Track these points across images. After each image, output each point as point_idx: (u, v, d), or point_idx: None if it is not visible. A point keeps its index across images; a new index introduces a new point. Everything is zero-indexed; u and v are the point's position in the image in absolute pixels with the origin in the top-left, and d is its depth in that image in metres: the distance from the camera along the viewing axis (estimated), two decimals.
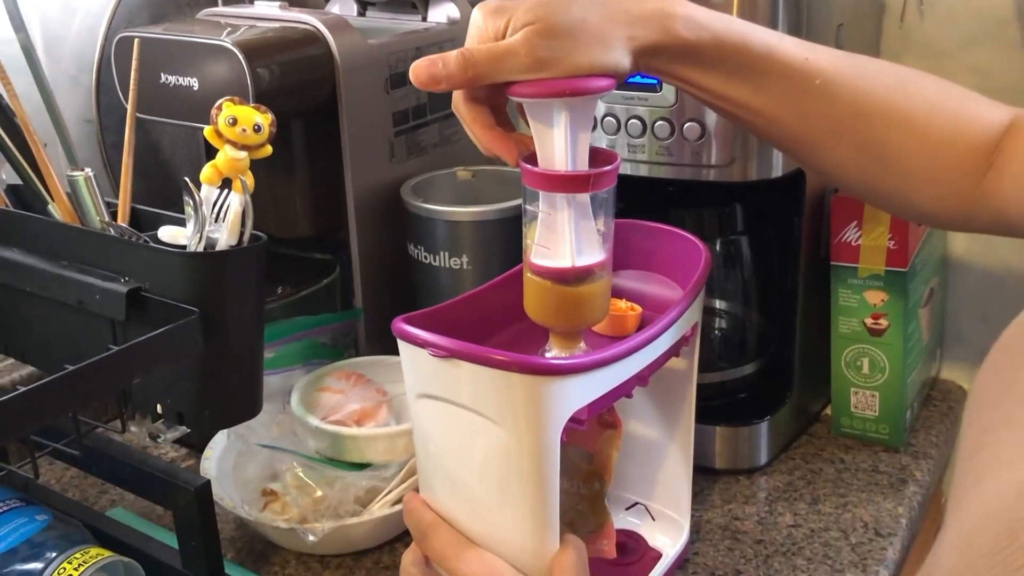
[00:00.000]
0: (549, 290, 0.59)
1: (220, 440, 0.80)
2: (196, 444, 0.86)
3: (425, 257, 0.88)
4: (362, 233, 0.91)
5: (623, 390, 0.59)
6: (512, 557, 0.56)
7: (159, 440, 0.89)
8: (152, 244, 0.59)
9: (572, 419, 0.55)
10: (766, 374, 0.89)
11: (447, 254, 0.87)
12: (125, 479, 0.70)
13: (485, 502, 0.57)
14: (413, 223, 0.89)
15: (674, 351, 0.65)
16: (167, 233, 0.61)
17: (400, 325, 0.56)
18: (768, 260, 0.86)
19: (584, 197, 0.57)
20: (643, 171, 0.79)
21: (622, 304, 0.68)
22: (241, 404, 0.62)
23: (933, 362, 0.96)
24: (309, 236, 0.94)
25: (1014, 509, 0.30)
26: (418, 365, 0.56)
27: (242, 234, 0.62)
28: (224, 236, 0.61)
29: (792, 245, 0.83)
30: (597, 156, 0.59)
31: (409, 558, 0.60)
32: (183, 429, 0.88)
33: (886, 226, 0.81)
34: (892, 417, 0.86)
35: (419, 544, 0.59)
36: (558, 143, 0.56)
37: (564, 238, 0.57)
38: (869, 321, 0.84)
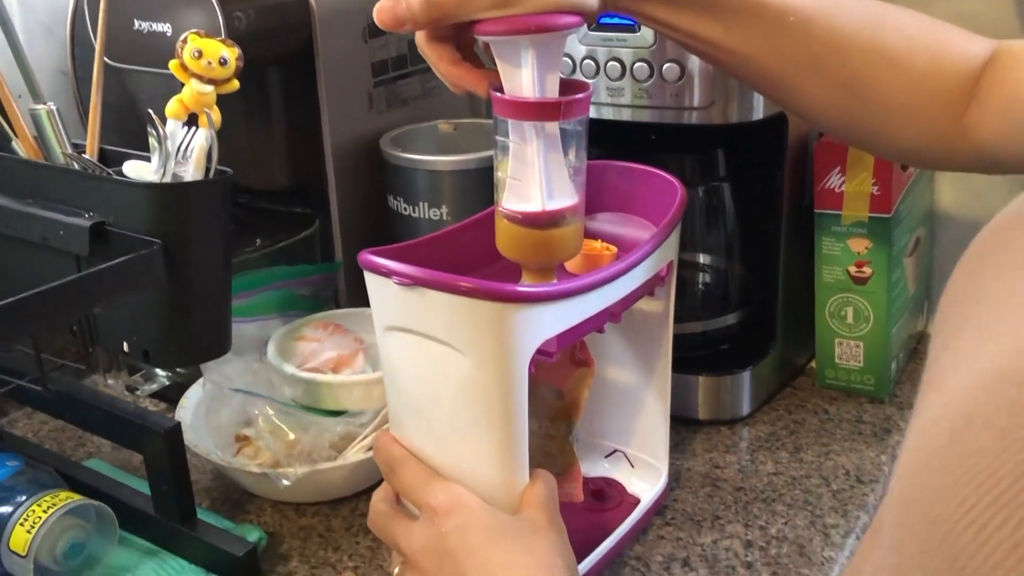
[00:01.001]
0: (520, 232, 0.58)
1: (196, 390, 0.79)
2: (175, 398, 0.85)
3: (405, 208, 0.87)
4: (341, 185, 0.90)
5: (593, 324, 0.59)
6: (482, 490, 0.55)
7: (137, 393, 0.89)
8: (115, 177, 0.58)
9: (540, 351, 0.55)
10: (749, 325, 0.88)
11: (426, 205, 0.86)
12: (95, 424, 0.70)
13: (454, 436, 0.56)
14: (392, 174, 0.88)
15: (647, 288, 0.64)
16: (132, 168, 0.60)
17: (366, 256, 0.55)
18: (751, 208, 0.85)
19: (554, 129, 0.56)
20: (624, 115, 0.78)
21: (597, 244, 0.67)
22: (208, 342, 0.61)
23: (920, 315, 0.95)
24: (288, 188, 0.94)
25: (972, 398, 0.30)
26: (384, 296, 0.55)
27: (208, 170, 0.61)
28: (190, 171, 0.60)
29: (775, 192, 0.82)
30: (570, 86, 0.57)
31: (379, 495, 0.59)
32: (162, 381, 0.88)
33: (869, 171, 0.80)
34: (877, 368, 0.85)
35: (388, 479, 0.58)
36: (526, 82, 0.55)
37: (534, 177, 0.56)
38: (853, 269, 0.83)
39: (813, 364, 0.93)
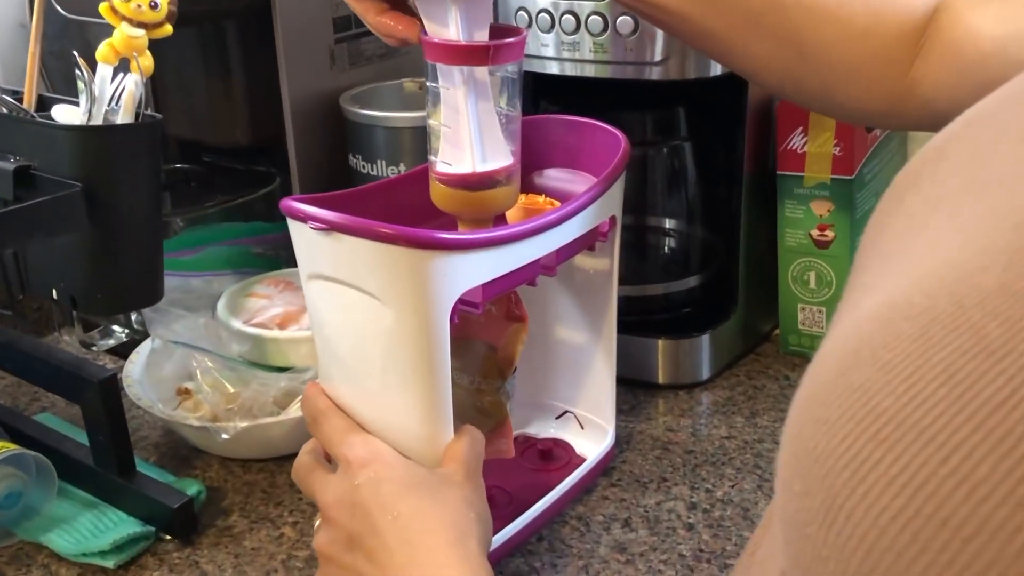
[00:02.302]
0: (452, 193, 0.57)
1: (147, 346, 0.79)
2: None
3: (363, 167, 0.86)
4: (300, 143, 0.89)
5: (523, 276, 0.57)
6: (405, 444, 0.55)
7: (93, 349, 0.88)
8: (38, 120, 0.57)
9: (464, 302, 0.54)
10: (711, 288, 0.86)
11: (385, 163, 0.85)
12: (35, 374, 0.70)
13: (377, 387, 0.55)
14: (352, 131, 0.87)
15: (586, 243, 0.63)
16: (61, 112, 0.60)
17: (286, 201, 0.54)
18: (713, 169, 0.84)
19: (484, 75, 0.55)
20: (587, 71, 0.76)
21: (540, 199, 0.66)
22: (137, 290, 0.60)
23: None
24: (247, 146, 0.93)
25: (861, 330, 0.28)
26: (306, 243, 0.54)
27: (138, 116, 0.60)
28: (120, 117, 0.59)
29: (737, 153, 0.81)
30: (502, 32, 0.56)
31: (306, 447, 0.58)
32: (119, 337, 0.87)
33: (832, 132, 0.78)
34: None
35: (311, 430, 0.57)
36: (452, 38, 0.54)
37: (464, 127, 0.56)
38: (815, 233, 0.81)
39: (777, 330, 0.91)
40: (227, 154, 0.94)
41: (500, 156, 0.57)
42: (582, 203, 0.59)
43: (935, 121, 0.60)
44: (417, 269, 0.50)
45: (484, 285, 0.54)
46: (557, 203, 0.65)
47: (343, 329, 0.55)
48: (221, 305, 0.78)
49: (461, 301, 0.53)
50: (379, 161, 0.85)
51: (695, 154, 0.82)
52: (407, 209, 0.62)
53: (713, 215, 0.85)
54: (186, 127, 0.93)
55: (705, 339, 0.83)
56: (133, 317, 0.86)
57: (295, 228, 0.54)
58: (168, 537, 0.67)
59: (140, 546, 0.66)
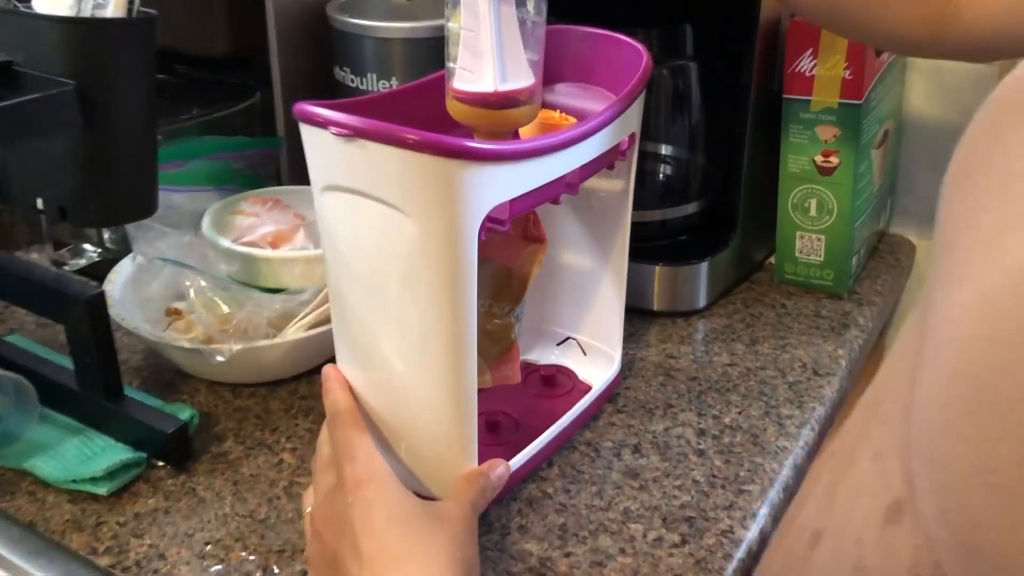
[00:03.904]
0: (471, 111, 0.54)
1: (126, 264, 0.75)
2: (104, 276, 0.81)
3: (352, 80, 0.82)
4: (284, 54, 0.84)
5: (549, 193, 0.55)
6: (425, 376, 0.53)
7: (64, 268, 0.83)
8: (23, 9, 0.52)
9: (491, 219, 0.51)
10: (709, 215, 0.85)
11: (375, 76, 0.81)
12: (12, 293, 0.65)
13: (394, 309, 0.52)
14: (339, 42, 0.82)
15: (607, 160, 0.60)
16: (45, 3, 0.54)
17: (301, 105, 0.50)
18: (717, 92, 0.81)
19: None
20: None
21: (555, 115, 0.63)
22: (130, 201, 0.56)
23: (883, 213, 0.93)
24: (227, 55, 0.87)
25: None
26: (322, 151, 0.51)
27: (130, 11, 0.55)
28: (109, 10, 0.54)
29: (743, 75, 0.78)
30: None
31: (323, 435, 0.56)
32: (91, 256, 0.82)
33: (842, 55, 0.76)
34: (837, 262, 0.83)
35: (327, 423, 0.55)
36: None
37: (485, 44, 0.53)
38: (819, 159, 0.80)
39: (772, 260, 0.90)
40: (204, 65, 0.88)
41: (522, 73, 0.54)
42: (608, 117, 0.57)
43: (976, 50, 0.58)
44: (447, 180, 0.47)
45: (512, 201, 0.51)
46: (572, 119, 0.62)
47: (360, 245, 0.52)
48: (206, 223, 0.74)
49: (488, 218, 0.50)
50: (369, 75, 0.81)
51: (700, 74, 0.80)
52: (420, 119, 0.58)
53: (715, 140, 0.83)
54: (159, 34, 0.87)
55: (703, 267, 0.82)
56: (106, 235, 0.81)
57: (310, 135, 0.51)
58: (160, 463, 0.64)
59: (132, 472, 0.62)
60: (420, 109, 0.58)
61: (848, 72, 0.76)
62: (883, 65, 0.81)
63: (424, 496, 0.53)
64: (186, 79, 0.87)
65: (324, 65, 0.84)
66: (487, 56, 0.53)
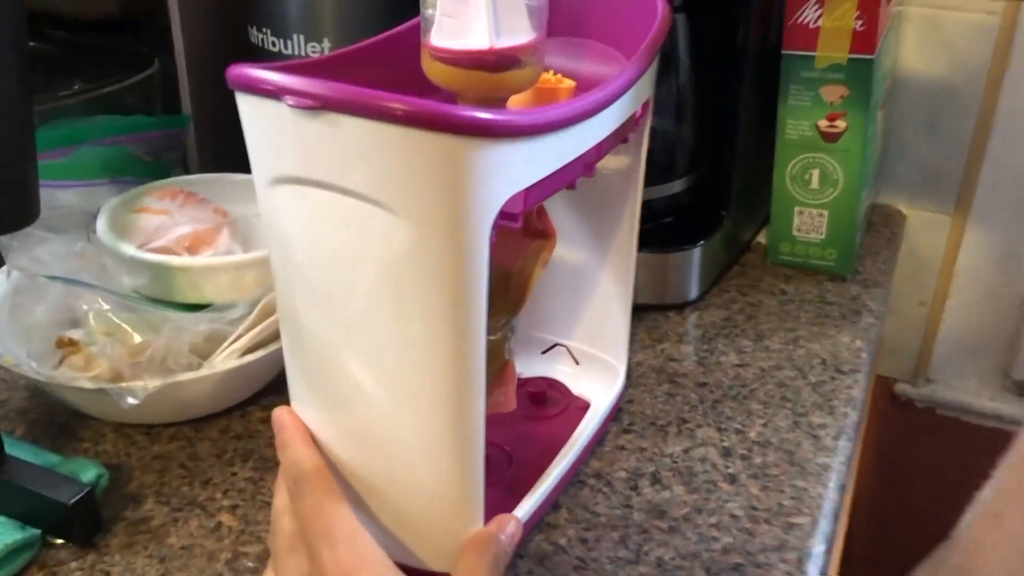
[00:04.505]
0: (457, 73, 0.41)
1: (0, 283, 0.59)
2: None
3: (273, 44, 0.68)
4: (187, 14, 0.69)
5: (566, 176, 0.43)
6: (416, 433, 0.40)
7: None
8: None
9: (503, 214, 0.38)
10: (697, 193, 0.74)
11: (302, 38, 0.67)
12: None
13: (380, 339, 0.39)
14: None
15: (623, 134, 0.48)
16: None
17: (241, 69, 0.37)
18: (707, 50, 0.70)
19: None
20: None
21: (550, 76, 0.50)
22: (5, 207, 0.42)
23: (876, 182, 0.84)
24: (114, 18, 0.71)
25: None
26: (271, 131, 0.37)
27: None
28: None
29: (740, 28, 0.68)
30: None
31: (281, 500, 0.42)
32: None
33: (853, 2, 0.66)
34: (841, 239, 0.74)
35: (288, 490, 0.42)
36: None
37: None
38: (824, 124, 0.70)
39: (761, 239, 0.81)
40: (86, 29, 0.72)
41: (521, 25, 0.42)
42: (630, 79, 0.45)
43: None
44: (453, 164, 0.35)
45: (528, 190, 0.39)
46: (570, 81, 0.50)
47: (327, 256, 0.39)
48: (101, 224, 0.59)
49: (499, 214, 0.38)
50: (295, 36, 0.67)
51: (690, 28, 0.69)
52: (387, 85, 0.45)
53: (705, 105, 0.72)
54: None
55: (695, 252, 0.71)
56: None
57: (253, 110, 0.37)
58: (60, 541, 0.50)
59: (23, 558, 0.48)
60: (386, 72, 0.45)
61: (860, 22, 0.66)
62: (889, 15, 0.71)
63: (407, 569, 0.41)
64: (66, 46, 0.71)
65: (237, 26, 0.70)
66: (478, 2, 0.40)
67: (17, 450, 0.52)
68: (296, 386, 0.44)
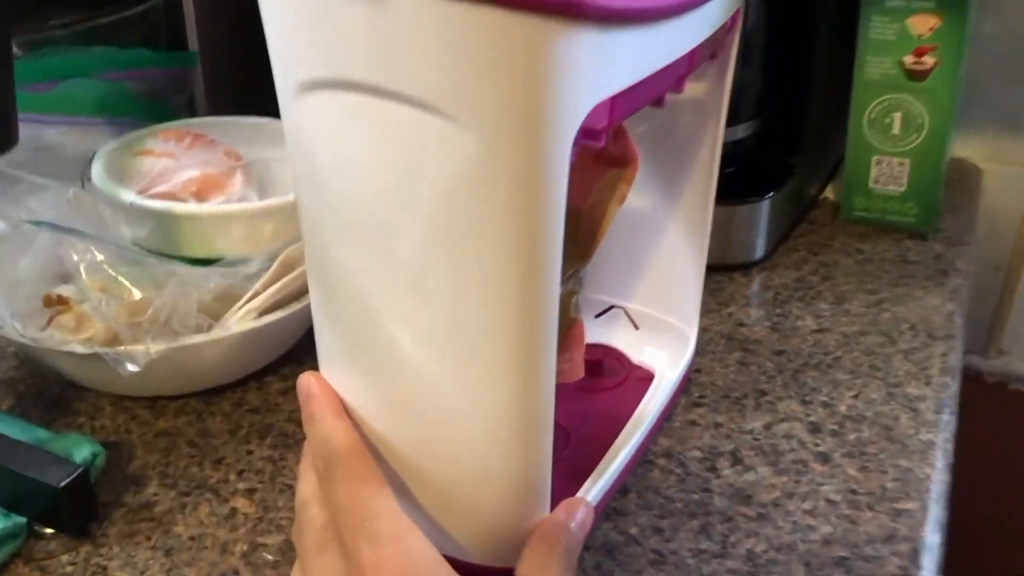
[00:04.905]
0: None
1: None
2: None
3: None
4: None
5: (657, 87, 0.35)
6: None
7: None
8: None
9: (584, 129, 0.31)
10: (764, 139, 0.66)
11: None
12: None
13: (432, 294, 0.32)
14: None
15: (713, 46, 0.41)
16: None
17: None
18: None
19: None
20: None
21: None
22: None
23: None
24: None
25: None
26: (299, 18, 0.30)
27: None
28: None
29: None
30: None
31: (308, 487, 0.35)
32: None
33: None
34: (924, 193, 0.66)
35: (318, 474, 0.34)
36: None
37: None
38: (909, 60, 0.62)
39: (829, 194, 0.73)
40: None
41: None
42: None
43: None
44: (536, 54, 0.27)
45: (616, 98, 0.31)
46: None
47: (368, 180, 0.31)
48: (97, 168, 0.51)
49: (583, 130, 0.30)
50: None
51: None
52: None
53: (774, 40, 0.64)
54: None
55: (763, 205, 0.64)
56: None
57: None
58: (49, 531, 0.43)
59: (6, 550, 0.41)
60: None
61: None
62: None
63: (460, 565, 0.34)
64: None
65: None
66: None
67: (2, 425, 0.45)
68: (327, 347, 0.37)
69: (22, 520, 0.42)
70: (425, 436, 0.35)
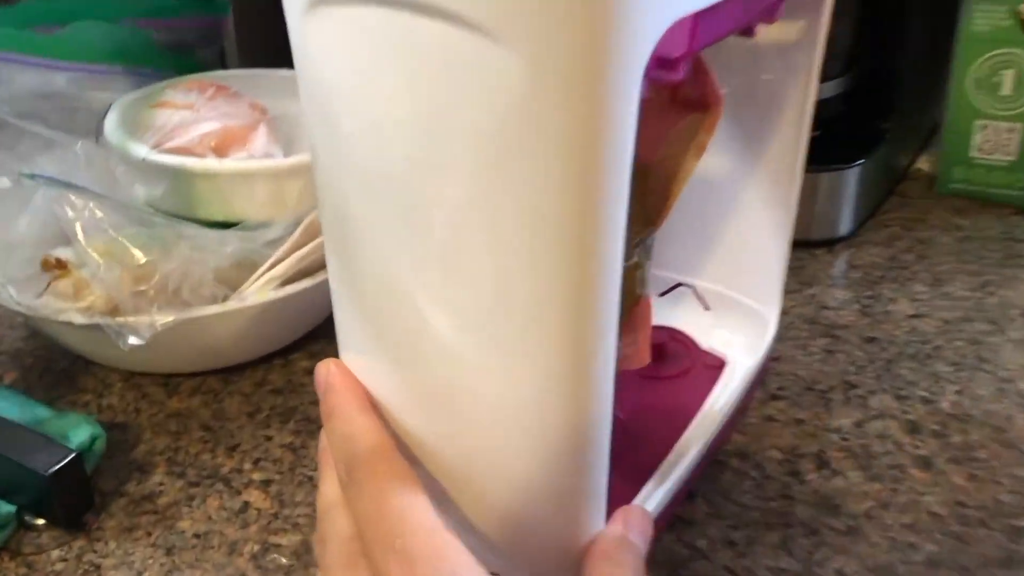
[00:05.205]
0: None
1: None
2: None
3: None
4: None
5: (746, 13, 0.29)
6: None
7: None
8: None
9: (658, 59, 0.25)
10: (852, 100, 0.59)
11: None
12: None
13: (473, 259, 0.26)
14: None
15: None
16: None
17: None
18: None
19: None
20: None
21: None
22: None
23: None
24: None
25: None
26: None
27: None
28: None
29: None
30: None
31: (331, 490, 0.29)
32: None
33: None
34: None
35: (342, 482, 0.29)
36: None
37: None
38: None
39: (922, 165, 0.66)
40: None
41: None
42: None
43: None
44: None
45: (697, 18, 0.25)
46: None
47: (396, 122, 0.26)
48: (111, 121, 0.47)
49: (654, 59, 0.24)
50: None
51: None
52: None
53: None
54: None
55: (852, 174, 0.57)
56: None
57: None
58: (41, 521, 0.38)
59: None
60: None
61: None
62: None
63: None
64: None
65: None
66: None
67: (4, 401, 0.41)
68: (346, 329, 0.32)
69: (11, 509, 0.37)
70: (461, 433, 0.30)
